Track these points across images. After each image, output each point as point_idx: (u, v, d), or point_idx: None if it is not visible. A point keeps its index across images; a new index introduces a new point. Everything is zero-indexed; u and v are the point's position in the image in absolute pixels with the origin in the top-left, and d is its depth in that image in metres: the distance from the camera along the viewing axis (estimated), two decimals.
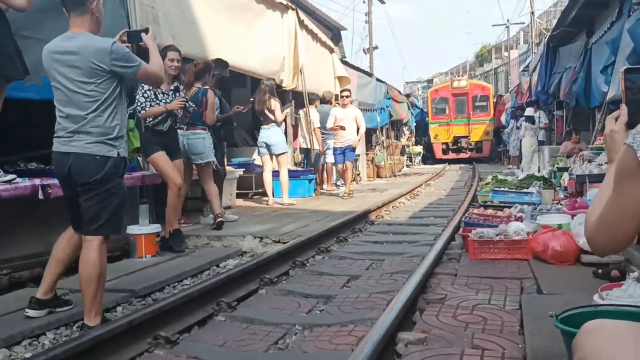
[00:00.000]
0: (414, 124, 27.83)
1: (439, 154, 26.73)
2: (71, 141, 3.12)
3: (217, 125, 7.03)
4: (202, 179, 6.55)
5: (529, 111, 14.74)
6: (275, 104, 8.39)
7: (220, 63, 7.11)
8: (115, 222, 3.22)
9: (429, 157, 27.64)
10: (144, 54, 3.58)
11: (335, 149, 10.33)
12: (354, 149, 10.45)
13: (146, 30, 3.58)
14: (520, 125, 15.49)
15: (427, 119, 28.24)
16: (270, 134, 8.51)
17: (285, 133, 9.57)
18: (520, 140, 15.59)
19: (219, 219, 6.33)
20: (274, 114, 8.41)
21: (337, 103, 11.21)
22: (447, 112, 26.65)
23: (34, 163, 4.82)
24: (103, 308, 3.34)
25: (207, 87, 6.55)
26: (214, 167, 6.64)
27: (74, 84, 3.10)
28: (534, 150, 14.15)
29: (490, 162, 25.07)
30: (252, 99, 8.12)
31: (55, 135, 3.19)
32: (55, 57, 3.13)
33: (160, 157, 5.50)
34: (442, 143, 26.63)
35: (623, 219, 1.29)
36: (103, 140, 3.13)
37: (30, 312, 3.27)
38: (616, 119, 1.46)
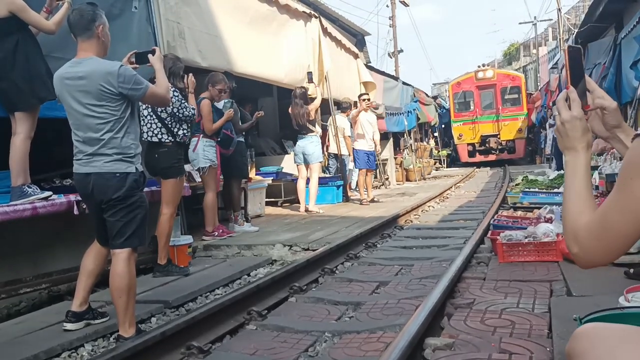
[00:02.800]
0: (442, 125, 26.84)
1: (464, 157, 23.50)
2: (90, 162, 3.21)
3: (242, 134, 7.19)
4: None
5: None
6: (310, 112, 8.57)
7: (230, 76, 7.28)
8: (140, 234, 3.33)
9: (455, 160, 25.14)
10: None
11: (362, 153, 10.21)
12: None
13: (153, 52, 3.63)
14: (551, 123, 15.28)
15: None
16: (306, 144, 8.68)
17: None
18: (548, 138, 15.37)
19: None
20: (314, 124, 8.64)
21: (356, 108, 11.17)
22: (471, 107, 23.17)
23: (69, 180, 4.96)
24: (137, 319, 3.45)
25: (203, 97, 6.39)
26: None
27: (86, 107, 3.18)
28: None
29: (522, 162, 23.16)
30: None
31: (74, 158, 3.30)
32: (65, 82, 3.22)
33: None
34: (468, 144, 23.20)
35: (631, 223, 1.14)
36: (120, 158, 3.23)
37: (68, 325, 3.40)
38: (566, 101, 1.33)
